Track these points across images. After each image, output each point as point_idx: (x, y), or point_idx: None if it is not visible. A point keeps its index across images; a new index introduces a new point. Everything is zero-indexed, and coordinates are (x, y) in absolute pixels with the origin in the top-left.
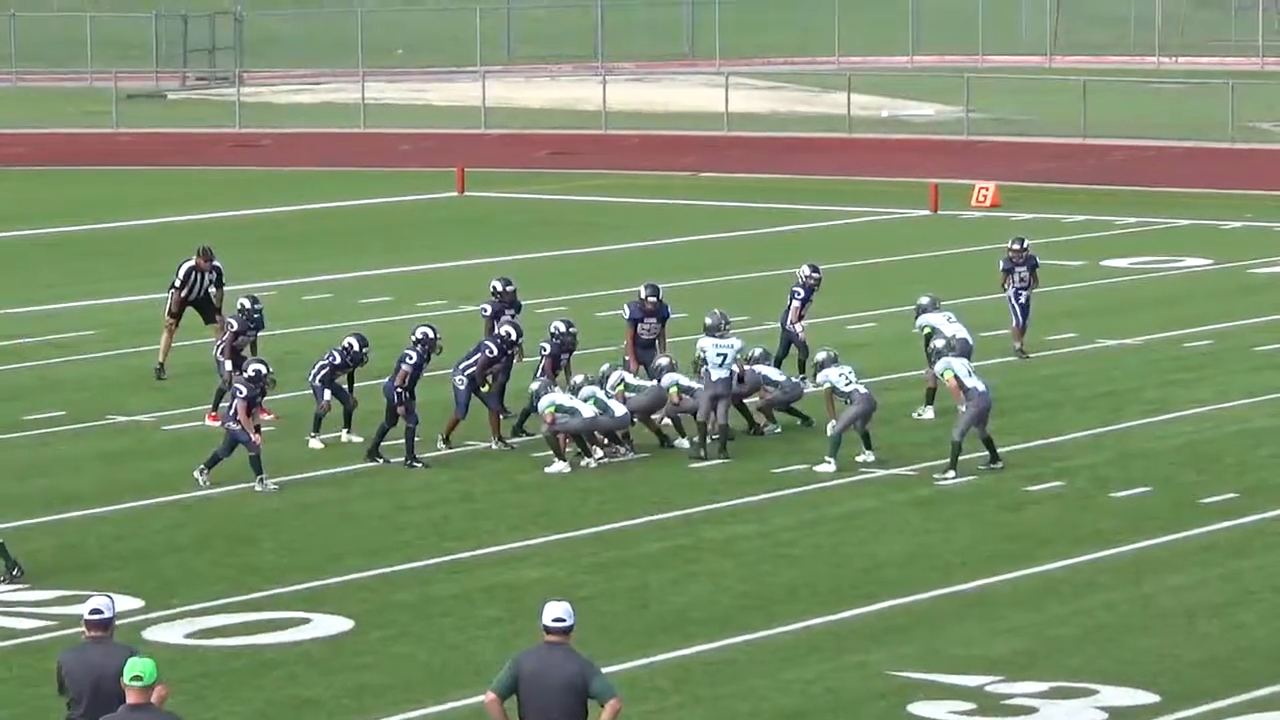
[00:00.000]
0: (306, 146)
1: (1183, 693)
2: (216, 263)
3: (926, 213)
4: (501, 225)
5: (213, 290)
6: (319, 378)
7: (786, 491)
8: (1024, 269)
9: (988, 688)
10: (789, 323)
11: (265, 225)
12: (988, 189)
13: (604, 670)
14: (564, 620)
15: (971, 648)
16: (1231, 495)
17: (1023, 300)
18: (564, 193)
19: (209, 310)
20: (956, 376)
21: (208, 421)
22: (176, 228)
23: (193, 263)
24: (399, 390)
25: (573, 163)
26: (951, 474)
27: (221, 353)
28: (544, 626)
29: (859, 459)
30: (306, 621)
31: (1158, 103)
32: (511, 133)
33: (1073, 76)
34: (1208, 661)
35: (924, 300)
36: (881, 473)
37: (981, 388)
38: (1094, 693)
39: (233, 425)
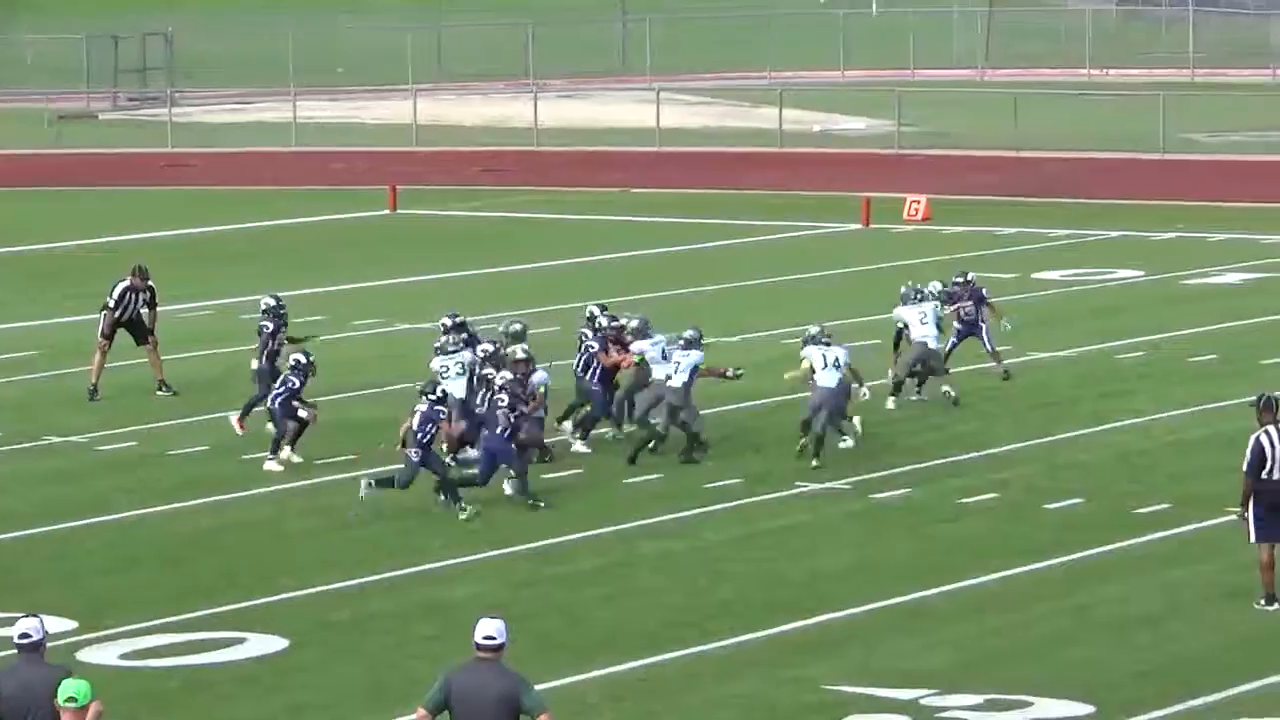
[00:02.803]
0: (239, 166)
1: (1117, 703)
2: (150, 282)
3: (858, 227)
4: (434, 243)
5: (145, 311)
6: (279, 402)
7: (720, 506)
8: (969, 303)
9: (923, 700)
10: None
11: (198, 245)
12: (919, 203)
13: (537, 687)
14: (495, 638)
15: (907, 661)
16: (1165, 506)
17: (980, 333)
18: (496, 210)
19: (141, 331)
20: (813, 366)
21: (238, 429)
22: (109, 248)
23: (128, 282)
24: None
25: (504, 179)
26: (814, 462)
27: (266, 358)
28: (475, 644)
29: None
30: (242, 641)
31: (1089, 115)
32: (443, 150)
33: (1004, 90)
34: (1142, 672)
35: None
36: (815, 486)
37: (832, 384)
38: (1029, 705)
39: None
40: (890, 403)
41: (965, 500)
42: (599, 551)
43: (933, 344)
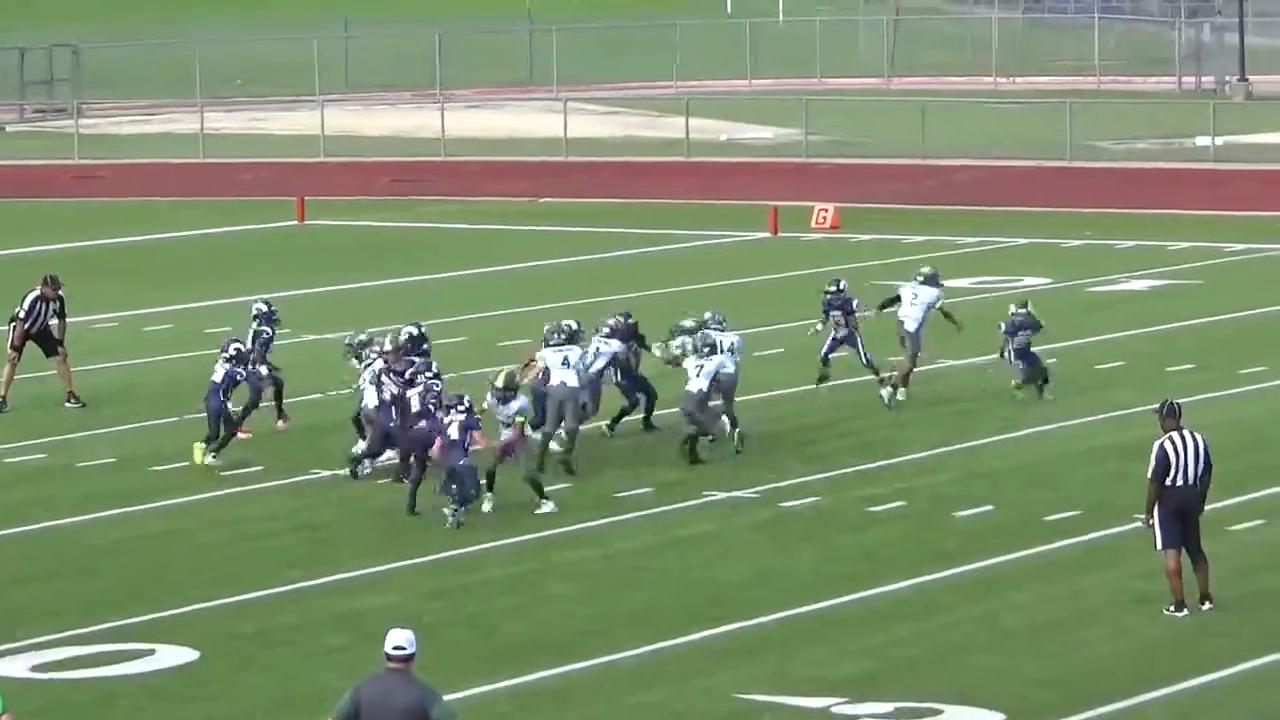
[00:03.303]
0: (146, 177)
1: (1028, 711)
2: (61, 292)
3: (766, 235)
4: (342, 253)
5: (54, 321)
6: (264, 356)
7: (630, 515)
8: (839, 313)
9: (834, 709)
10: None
11: (106, 256)
12: (827, 211)
13: (448, 698)
14: (405, 648)
15: (817, 669)
16: (1075, 513)
17: (856, 344)
18: (404, 220)
19: (50, 342)
20: (547, 367)
21: (240, 435)
22: (17, 260)
23: (38, 292)
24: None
25: (413, 190)
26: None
27: (255, 362)
28: (385, 654)
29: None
30: (151, 653)
31: (996, 123)
32: (351, 161)
33: (911, 98)
34: (1052, 679)
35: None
36: (723, 495)
37: (571, 383)
38: (939, 713)
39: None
40: (898, 393)
41: (875, 508)
42: (509, 561)
43: (908, 322)
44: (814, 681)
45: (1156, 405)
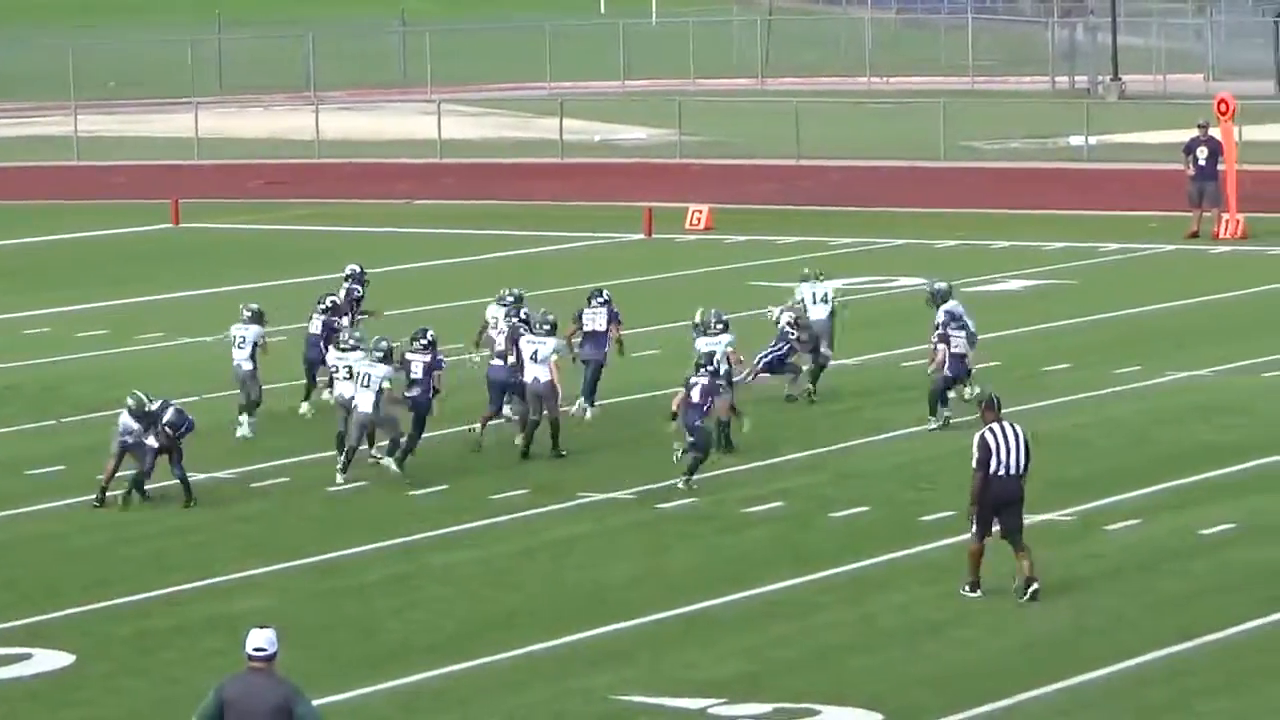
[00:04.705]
0: (19, 180)
1: (906, 711)
2: None
3: (640, 237)
4: (217, 256)
5: None
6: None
7: (505, 517)
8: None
9: (711, 710)
10: None
11: None
12: (701, 212)
13: (328, 700)
14: (265, 649)
15: (694, 670)
16: (950, 513)
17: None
18: (279, 222)
19: None
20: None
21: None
22: None
23: None
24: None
25: (287, 192)
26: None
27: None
28: (247, 655)
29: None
30: (27, 657)
31: (870, 123)
32: (225, 163)
33: (784, 98)
34: (930, 679)
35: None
36: (599, 497)
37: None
38: (816, 713)
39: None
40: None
41: (750, 509)
42: (387, 563)
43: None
44: (692, 682)
45: (1029, 406)
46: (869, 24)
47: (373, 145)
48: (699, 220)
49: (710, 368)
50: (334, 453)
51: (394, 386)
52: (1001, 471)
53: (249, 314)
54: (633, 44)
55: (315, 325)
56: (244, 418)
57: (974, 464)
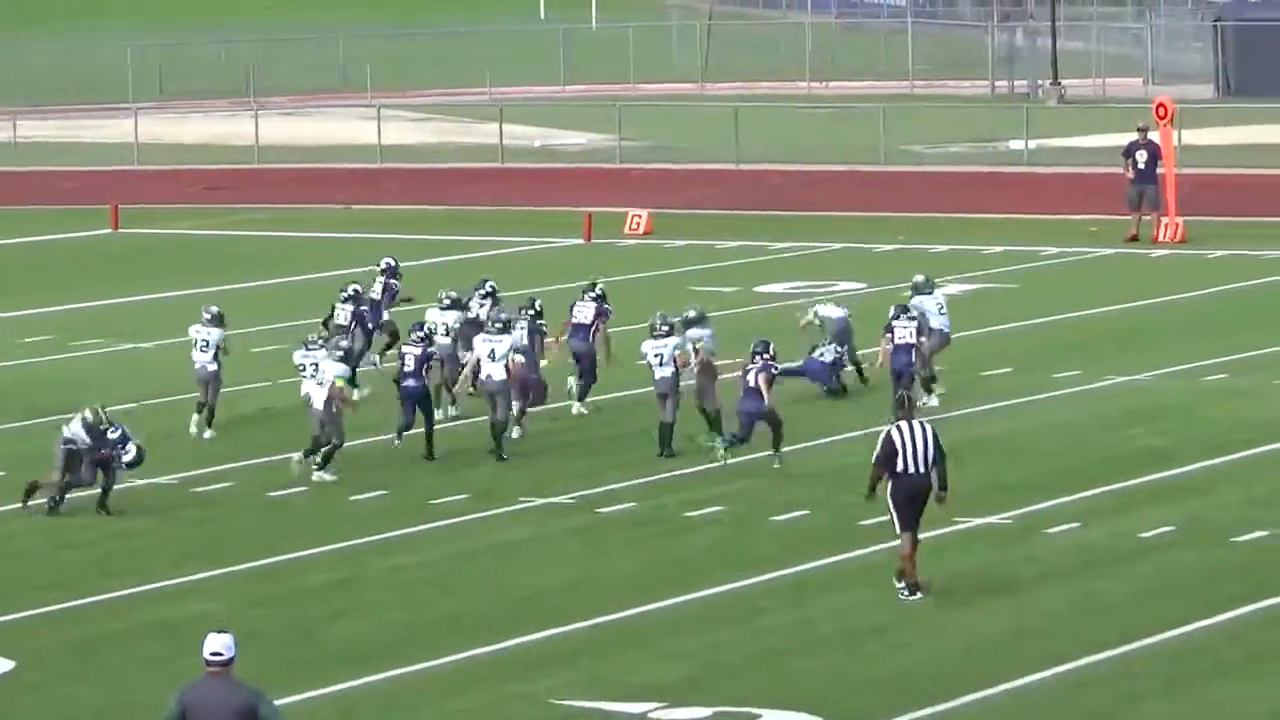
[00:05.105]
0: None
1: (847, 714)
2: None
3: (580, 241)
4: (157, 262)
5: None
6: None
7: (445, 522)
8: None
9: (651, 714)
10: None
11: None
12: (641, 217)
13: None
14: (223, 654)
15: (635, 674)
16: (888, 517)
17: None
18: (219, 228)
19: None
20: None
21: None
22: None
23: None
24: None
25: (227, 198)
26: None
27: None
28: (205, 660)
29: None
30: None
31: (810, 128)
32: (165, 169)
33: (724, 103)
34: (871, 682)
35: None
36: (540, 501)
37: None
38: (758, 717)
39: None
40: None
41: (691, 513)
42: (327, 568)
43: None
44: (632, 686)
45: (972, 410)
46: (809, 29)
47: (312, 150)
48: (639, 225)
49: (767, 354)
50: (275, 457)
51: (343, 387)
52: (911, 469)
53: (209, 316)
54: (572, 48)
55: (342, 316)
56: (196, 417)
57: (874, 458)
